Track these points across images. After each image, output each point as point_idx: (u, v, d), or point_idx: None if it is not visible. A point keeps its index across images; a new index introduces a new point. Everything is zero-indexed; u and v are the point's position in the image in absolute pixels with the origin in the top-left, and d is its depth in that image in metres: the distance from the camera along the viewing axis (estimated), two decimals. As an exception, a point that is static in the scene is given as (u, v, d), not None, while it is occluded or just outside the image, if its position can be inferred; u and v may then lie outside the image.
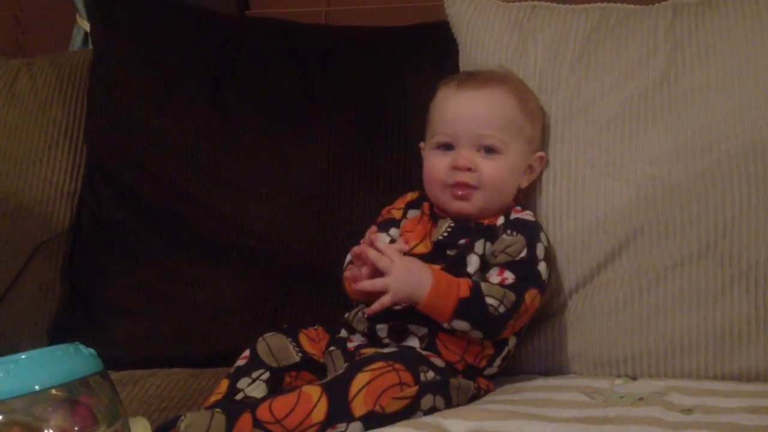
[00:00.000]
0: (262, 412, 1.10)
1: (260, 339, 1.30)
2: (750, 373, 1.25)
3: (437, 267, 1.26)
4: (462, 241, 1.30)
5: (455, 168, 1.31)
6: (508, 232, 1.29)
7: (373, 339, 1.27)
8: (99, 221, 1.65)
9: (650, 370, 1.28)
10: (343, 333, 1.31)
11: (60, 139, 1.71)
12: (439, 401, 1.17)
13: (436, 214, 1.36)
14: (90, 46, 1.85)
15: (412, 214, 1.38)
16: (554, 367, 1.34)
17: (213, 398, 1.24)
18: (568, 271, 1.33)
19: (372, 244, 1.24)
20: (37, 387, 0.90)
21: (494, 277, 1.25)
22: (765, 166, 1.27)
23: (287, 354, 1.29)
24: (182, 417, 1.09)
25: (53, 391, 0.91)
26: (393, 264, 1.21)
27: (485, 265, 1.29)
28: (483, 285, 1.23)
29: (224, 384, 1.25)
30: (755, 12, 1.36)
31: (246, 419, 1.09)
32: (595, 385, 1.25)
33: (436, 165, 1.33)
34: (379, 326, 1.25)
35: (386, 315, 1.24)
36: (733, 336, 1.26)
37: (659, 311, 1.28)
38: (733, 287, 1.26)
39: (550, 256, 1.31)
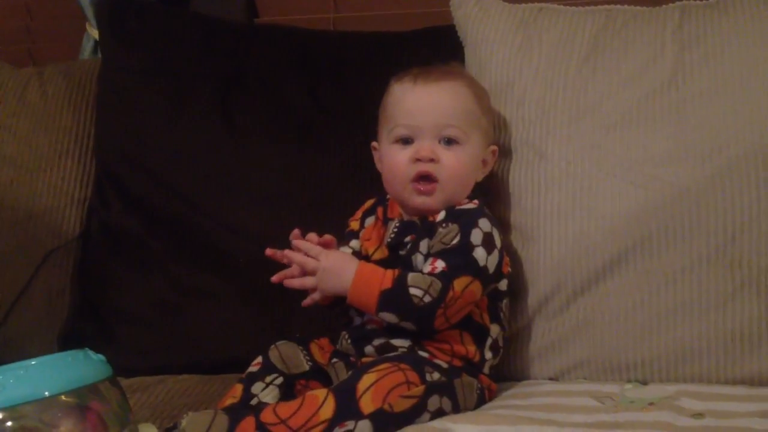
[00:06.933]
0: (266, 415, 1.10)
1: (272, 347, 1.30)
2: (761, 377, 1.25)
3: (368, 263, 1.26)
4: (408, 239, 1.29)
5: (417, 159, 1.28)
6: (444, 224, 1.26)
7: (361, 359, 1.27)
8: (108, 229, 1.65)
9: (660, 374, 1.28)
10: None
11: (70, 147, 1.72)
12: (446, 403, 1.16)
13: (387, 218, 1.34)
14: (99, 55, 1.86)
15: (369, 221, 1.38)
16: (563, 371, 1.33)
17: (228, 401, 1.24)
18: (572, 271, 1.32)
19: (296, 247, 1.26)
20: (46, 393, 0.91)
21: (426, 267, 1.23)
22: (774, 169, 1.27)
23: (297, 362, 1.29)
24: (185, 415, 1.11)
25: (63, 397, 0.92)
26: (318, 263, 1.23)
27: None
28: (410, 275, 1.21)
29: (238, 388, 1.25)
30: (764, 14, 1.35)
31: (249, 421, 1.10)
32: (605, 390, 1.25)
33: (396, 159, 1.31)
34: (366, 348, 1.25)
35: (368, 335, 1.25)
36: (744, 340, 1.25)
37: (669, 316, 1.28)
38: (743, 291, 1.26)
39: (493, 242, 1.25)
